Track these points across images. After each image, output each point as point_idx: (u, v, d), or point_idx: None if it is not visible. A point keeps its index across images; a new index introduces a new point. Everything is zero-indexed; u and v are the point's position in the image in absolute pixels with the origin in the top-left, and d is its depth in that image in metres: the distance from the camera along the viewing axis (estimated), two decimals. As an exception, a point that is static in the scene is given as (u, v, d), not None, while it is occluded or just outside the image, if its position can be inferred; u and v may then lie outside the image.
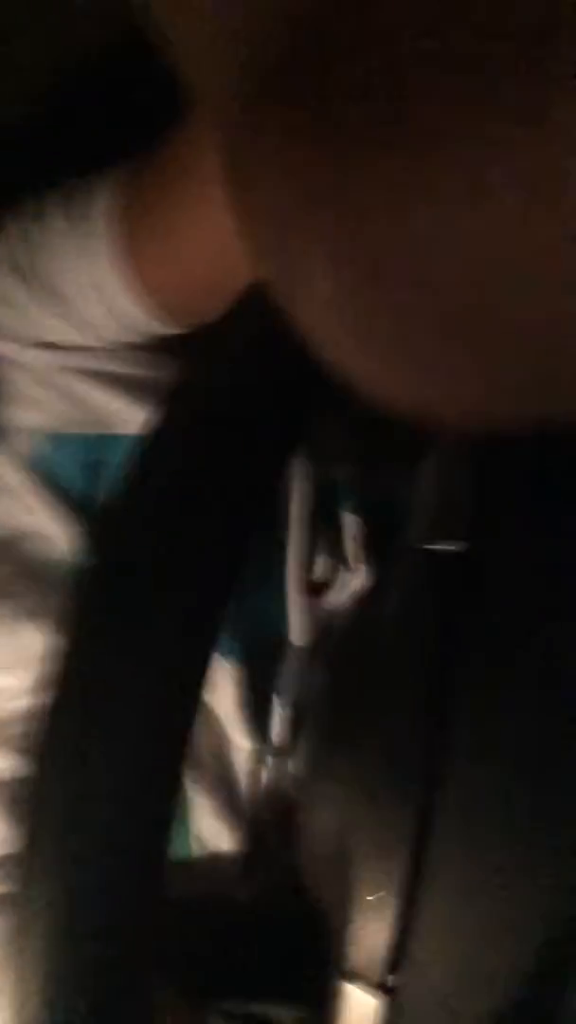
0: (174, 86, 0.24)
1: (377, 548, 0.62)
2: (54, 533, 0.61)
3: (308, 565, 0.61)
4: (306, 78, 0.18)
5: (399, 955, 0.40)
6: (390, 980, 0.40)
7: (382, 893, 0.41)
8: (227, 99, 0.21)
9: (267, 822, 0.60)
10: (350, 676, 0.55)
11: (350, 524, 0.62)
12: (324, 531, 0.62)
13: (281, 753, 0.60)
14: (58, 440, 0.62)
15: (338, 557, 0.62)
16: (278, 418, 0.42)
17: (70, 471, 0.62)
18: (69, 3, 0.57)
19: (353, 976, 0.41)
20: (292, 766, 0.60)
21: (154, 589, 0.39)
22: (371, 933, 0.41)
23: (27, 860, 0.38)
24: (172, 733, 0.40)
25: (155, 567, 0.39)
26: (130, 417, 0.59)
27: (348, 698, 0.52)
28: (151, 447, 0.40)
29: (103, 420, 0.61)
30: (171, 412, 0.41)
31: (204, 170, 0.46)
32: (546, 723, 0.39)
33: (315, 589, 0.62)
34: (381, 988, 0.40)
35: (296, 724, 0.60)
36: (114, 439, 0.59)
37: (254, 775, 0.60)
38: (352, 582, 0.61)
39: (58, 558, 0.58)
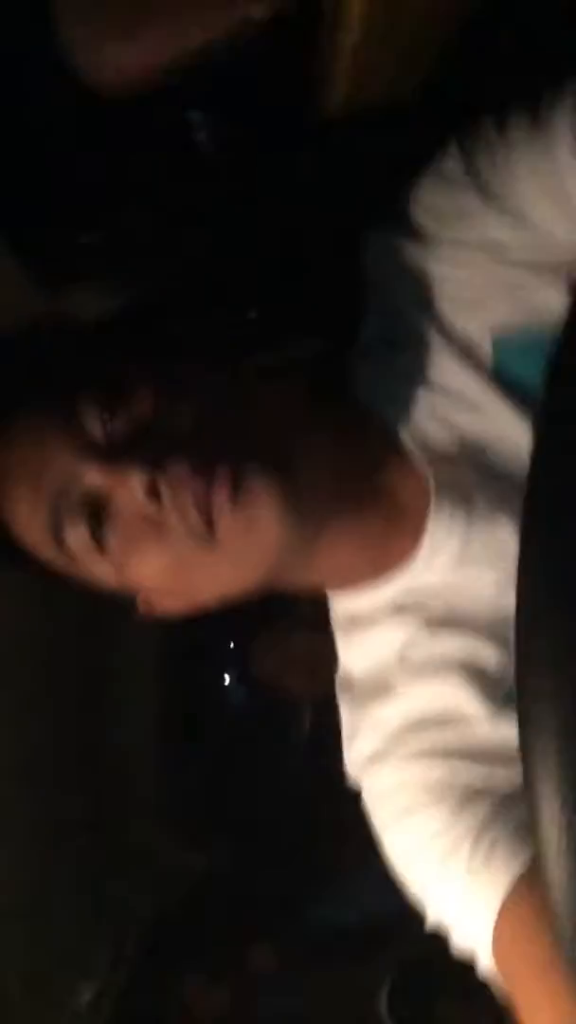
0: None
1: None
2: (516, 437, 0.67)
3: None
4: None
5: None
6: None
7: None
8: None
9: None
10: None
11: None
12: None
13: None
14: (519, 348, 0.68)
15: None
16: None
17: (532, 375, 0.66)
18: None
19: None
20: None
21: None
22: None
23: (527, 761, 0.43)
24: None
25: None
26: None
27: None
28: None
29: (552, 318, 0.65)
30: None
31: None
32: None
33: None
34: None
35: None
36: None
37: None
38: None
39: (521, 460, 0.58)
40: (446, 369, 0.71)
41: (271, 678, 1.83)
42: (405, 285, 0.74)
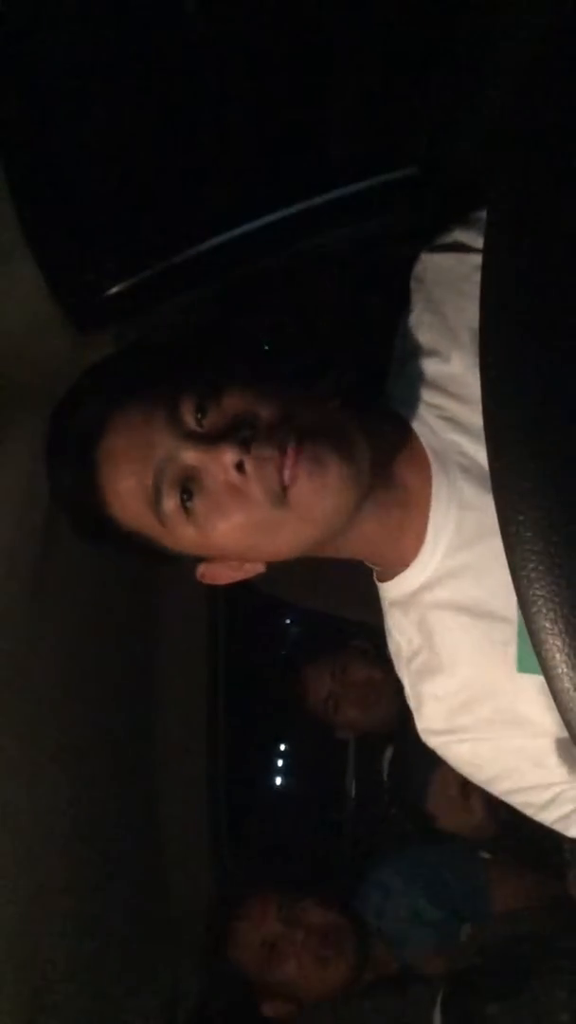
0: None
1: None
2: None
3: None
4: None
5: None
6: None
7: None
8: None
9: None
10: None
11: None
12: None
13: None
14: None
15: None
16: None
17: None
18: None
19: None
20: None
21: None
22: None
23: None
24: None
25: None
26: None
27: None
28: None
29: None
30: None
31: None
32: None
33: None
34: None
35: None
36: None
37: None
38: None
39: None
40: (464, 372, 0.83)
41: (323, 702, 1.86)
42: (449, 297, 0.87)
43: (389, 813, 1.82)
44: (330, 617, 1.87)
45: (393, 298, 0.94)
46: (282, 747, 1.96)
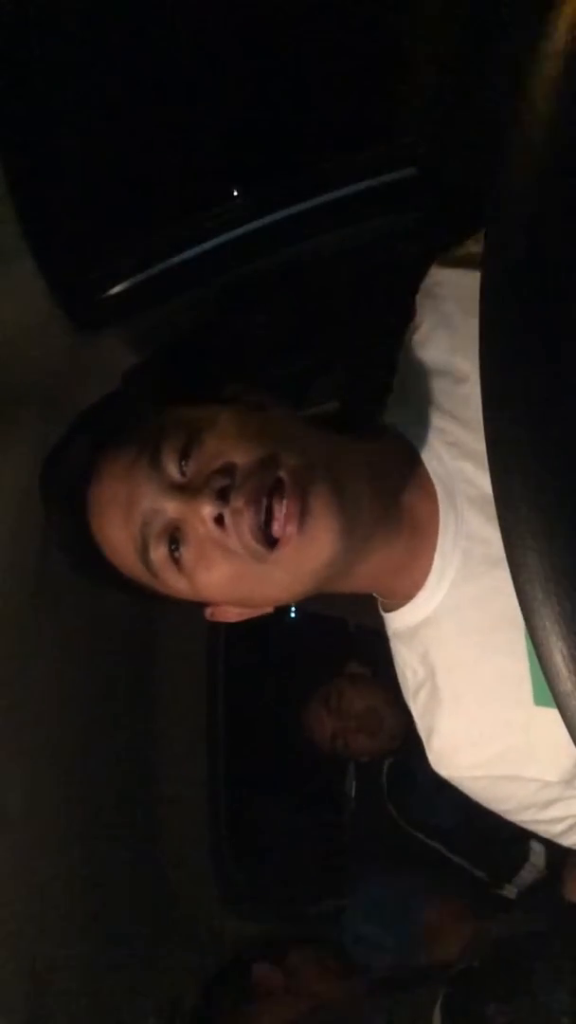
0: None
1: None
2: None
3: None
4: None
5: None
6: None
7: None
8: None
9: None
10: None
11: None
12: None
13: None
14: None
15: None
16: None
17: None
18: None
19: None
20: None
21: None
22: None
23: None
24: None
25: None
26: None
27: None
28: None
29: None
30: None
31: None
32: None
33: None
34: None
35: None
36: None
37: None
38: None
39: None
40: (468, 393, 0.79)
41: (331, 743, 1.86)
42: (465, 314, 0.81)
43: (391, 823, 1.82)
44: (330, 619, 1.87)
45: (393, 302, 0.92)
46: (282, 747, 1.95)
